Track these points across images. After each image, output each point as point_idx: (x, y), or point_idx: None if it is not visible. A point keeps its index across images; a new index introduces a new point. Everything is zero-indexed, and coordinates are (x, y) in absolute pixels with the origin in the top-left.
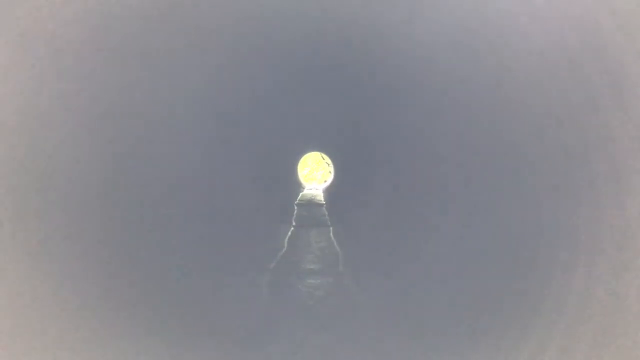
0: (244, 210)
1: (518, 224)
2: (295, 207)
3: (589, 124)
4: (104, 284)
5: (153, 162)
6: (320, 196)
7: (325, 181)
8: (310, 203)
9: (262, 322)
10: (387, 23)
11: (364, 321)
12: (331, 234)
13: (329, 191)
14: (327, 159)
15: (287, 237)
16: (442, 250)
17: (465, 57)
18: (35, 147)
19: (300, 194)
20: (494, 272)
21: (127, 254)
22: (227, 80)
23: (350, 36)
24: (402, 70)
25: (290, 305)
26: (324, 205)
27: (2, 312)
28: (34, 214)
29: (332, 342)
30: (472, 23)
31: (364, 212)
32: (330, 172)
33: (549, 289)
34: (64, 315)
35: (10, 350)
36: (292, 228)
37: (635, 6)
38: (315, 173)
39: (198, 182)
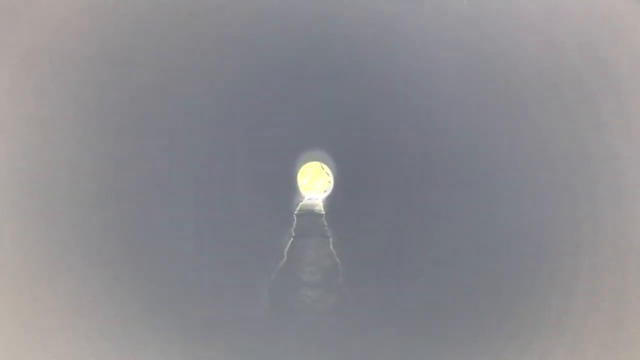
0: (242, 220)
1: (521, 228)
2: (295, 217)
3: (587, 125)
4: (103, 289)
5: (154, 167)
6: (320, 206)
7: (325, 191)
8: (310, 213)
9: (262, 330)
10: (388, 29)
11: (365, 332)
12: (331, 245)
13: (329, 201)
14: (327, 169)
15: (286, 248)
16: (444, 256)
17: (468, 60)
18: (37, 154)
19: (300, 204)
20: (498, 280)
21: (126, 258)
22: (227, 86)
23: (352, 41)
24: (402, 77)
25: (290, 317)
26: (324, 215)
27: (2, 313)
28: (36, 216)
29: (333, 353)
30: (474, 28)
31: (365, 221)
32: (329, 181)
33: (553, 295)
34: (63, 315)
35: (10, 350)
36: (292, 238)
37: (631, 10)
38: (314, 183)
39: (197, 190)
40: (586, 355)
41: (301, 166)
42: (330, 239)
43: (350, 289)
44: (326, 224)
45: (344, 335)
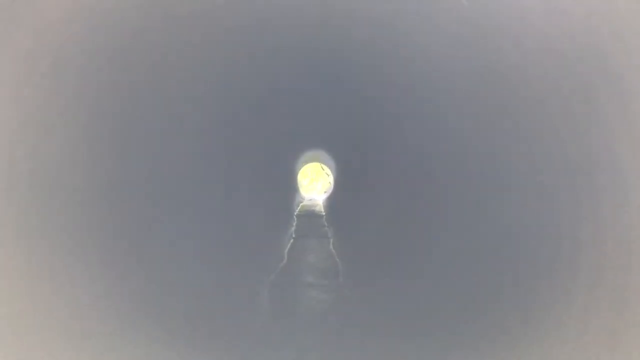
0: (243, 221)
1: (522, 228)
2: (295, 218)
3: (588, 125)
4: (102, 290)
5: (154, 168)
6: (320, 207)
7: (325, 192)
8: (311, 214)
9: (262, 331)
10: (389, 30)
11: (366, 332)
12: (331, 245)
13: (329, 201)
14: (327, 170)
15: (287, 249)
16: (444, 257)
17: (468, 61)
18: (37, 153)
19: (301, 204)
20: (498, 280)
21: (125, 258)
22: (227, 87)
23: (352, 42)
24: (402, 78)
25: (291, 318)
26: (324, 216)
27: (3, 313)
28: (36, 217)
29: (333, 353)
30: (475, 28)
31: (365, 222)
32: (330, 182)
33: (553, 295)
34: (64, 316)
35: (10, 351)
36: (292, 239)
37: (631, 10)
38: (315, 183)
39: (197, 191)
40: (587, 356)
41: (301, 167)
42: (331, 240)
43: (351, 290)
44: (326, 224)
45: (344, 336)
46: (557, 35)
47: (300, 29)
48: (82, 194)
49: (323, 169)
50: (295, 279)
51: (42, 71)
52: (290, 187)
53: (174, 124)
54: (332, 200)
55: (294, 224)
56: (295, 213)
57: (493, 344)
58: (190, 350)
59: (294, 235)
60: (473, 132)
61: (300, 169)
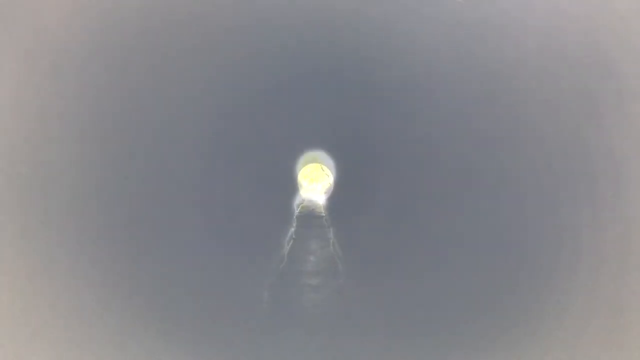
0: (243, 223)
1: (522, 228)
2: (295, 220)
3: (588, 125)
4: (103, 289)
5: (153, 169)
6: (320, 208)
7: (326, 193)
8: (311, 215)
9: (262, 333)
10: (388, 30)
11: (366, 333)
12: (331, 246)
13: (329, 202)
14: (327, 171)
15: (287, 250)
16: (445, 257)
17: (467, 60)
18: (37, 154)
19: (300, 205)
20: (498, 280)
21: (125, 258)
22: (227, 88)
23: (352, 42)
24: (402, 78)
25: (291, 319)
26: (324, 217)
27: (3, 313)
28: (35, 216)
29: (334, 354)
30: (473, 27)
31: (365, 223)
32: (330, 183)
33: (552, 295)
34: (63, 315)
35: (10, 351)
36: (292, 240)
37: (631, 10)
38: (315, 184)
39: (197, 193)
40: (587, 356)
41: (301, 168)
42: (331, 241)
43: (351, 291)
44: (326, 225)
45: (344, 336)
46: (557, 35)
47: (300, 29)
48: (82, 193)
49: (323, 170)
50: (295, 280)
51: (42, 71)
52: (290, 188)
53: (174, 124)
54: (332, 201)
55: (294, 225)
56: (296, 214)
57: (493, 344)
58: (191, 350)
59: (294, 237)
60: (473, 132)
61: (300, 170)
